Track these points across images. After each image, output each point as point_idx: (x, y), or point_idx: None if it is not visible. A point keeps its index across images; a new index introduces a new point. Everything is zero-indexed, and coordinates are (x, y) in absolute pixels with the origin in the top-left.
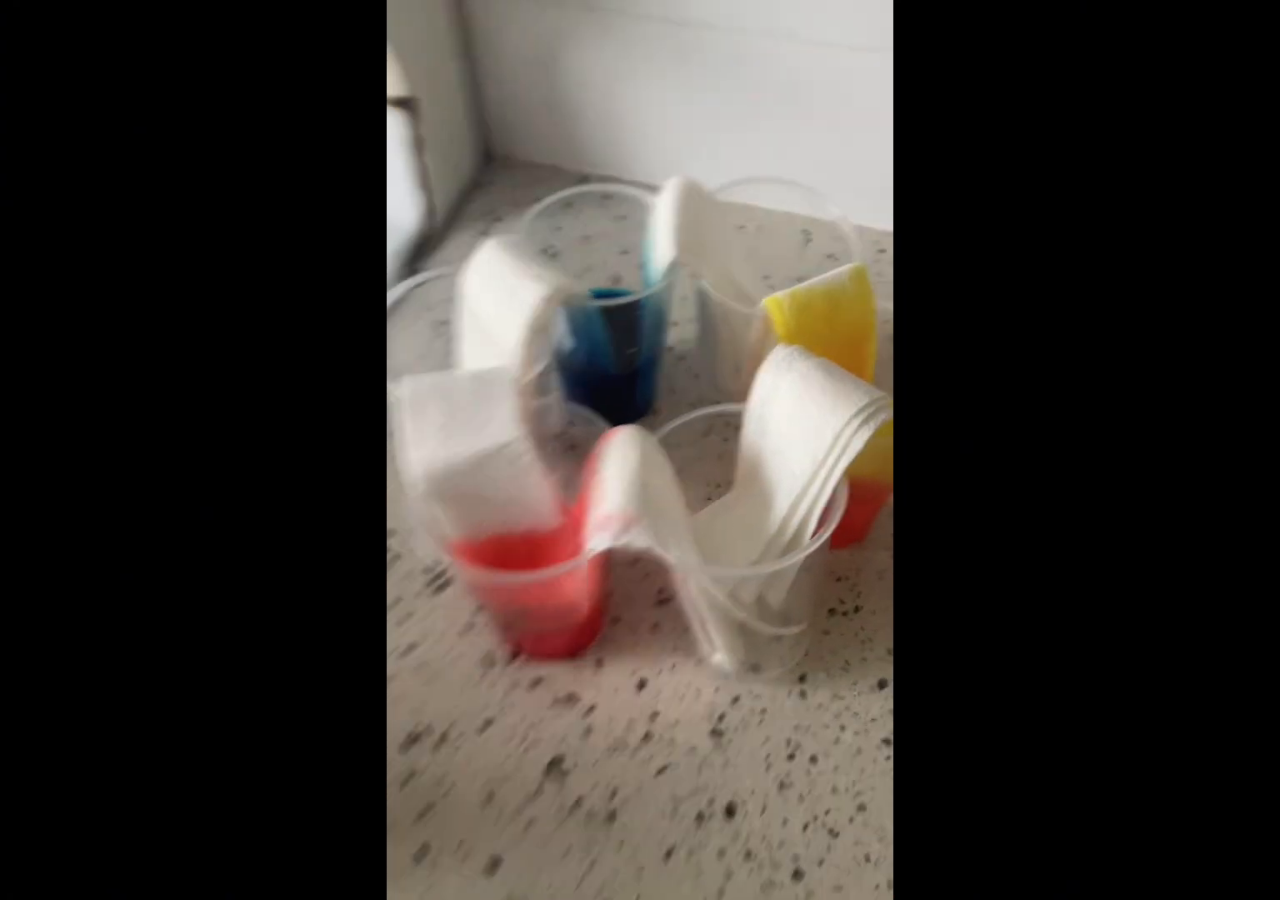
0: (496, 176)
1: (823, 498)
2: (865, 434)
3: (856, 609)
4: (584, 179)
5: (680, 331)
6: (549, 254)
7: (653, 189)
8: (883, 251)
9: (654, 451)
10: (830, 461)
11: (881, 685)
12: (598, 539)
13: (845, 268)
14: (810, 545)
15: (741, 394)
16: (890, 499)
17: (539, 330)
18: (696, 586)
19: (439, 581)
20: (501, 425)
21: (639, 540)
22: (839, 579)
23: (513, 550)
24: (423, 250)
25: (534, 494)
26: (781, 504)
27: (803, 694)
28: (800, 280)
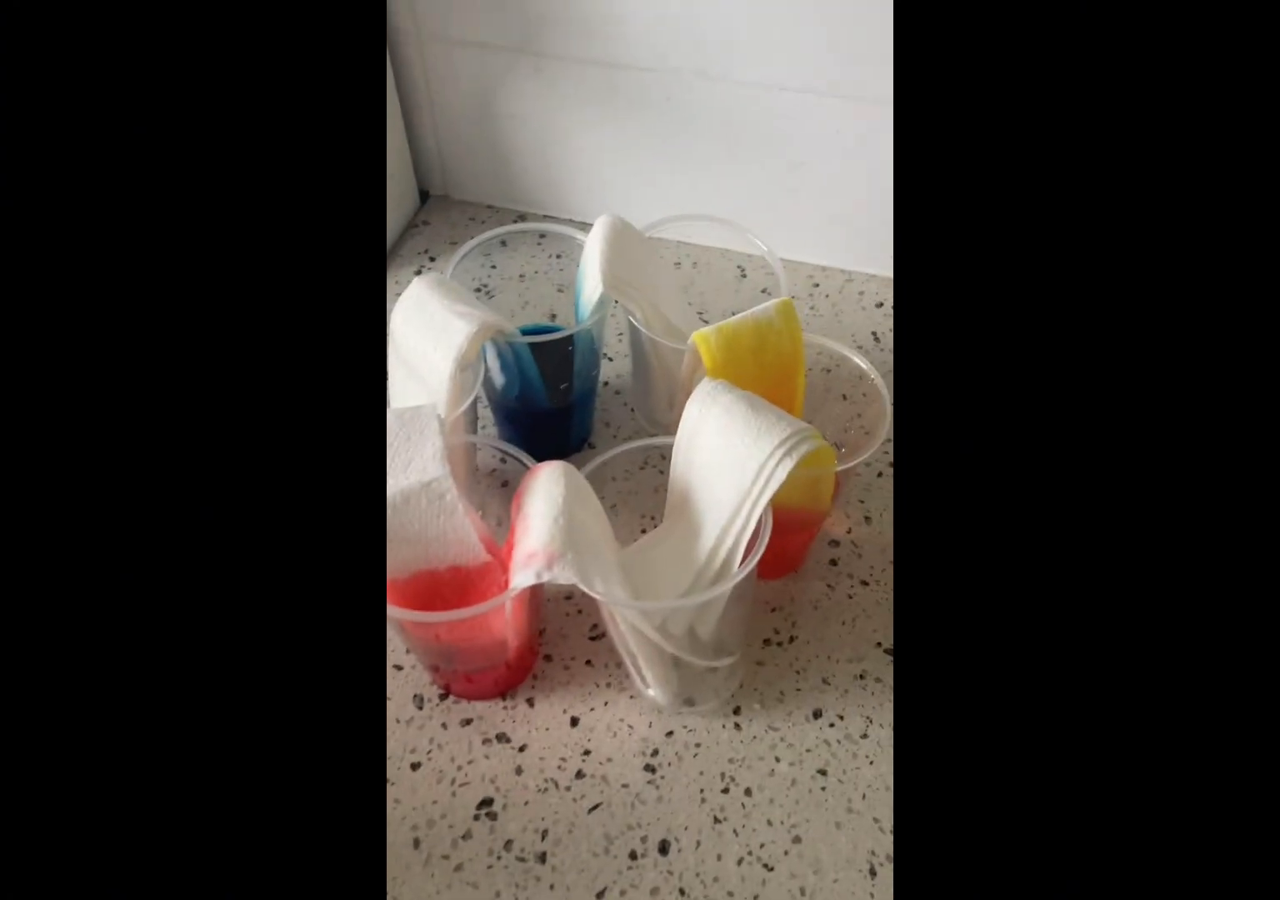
0: (433, 216)
1: (748, 528)
2: (789, 464)
3: (791, 639)
4: (521, 218)
5: (615, 366)
6: (484, 292)
7: (587, 228)
8: (817, 285)
9: (580, 486)
10: (755, 492)
11: (816, 715)
12: (521, 576)
13: (773, 302)
14: (735, 575)
15: (675, 427)
16: (819, 530)
17: (465, 367)
18: (625, 621)
19: None
20: (425, 463)
21: (563, 576)
22: (773, 609)
23: (440, 587)
24: None
25: (459, 532)
26: (709, 535)
27: (737, 726)
28: (734, 313)
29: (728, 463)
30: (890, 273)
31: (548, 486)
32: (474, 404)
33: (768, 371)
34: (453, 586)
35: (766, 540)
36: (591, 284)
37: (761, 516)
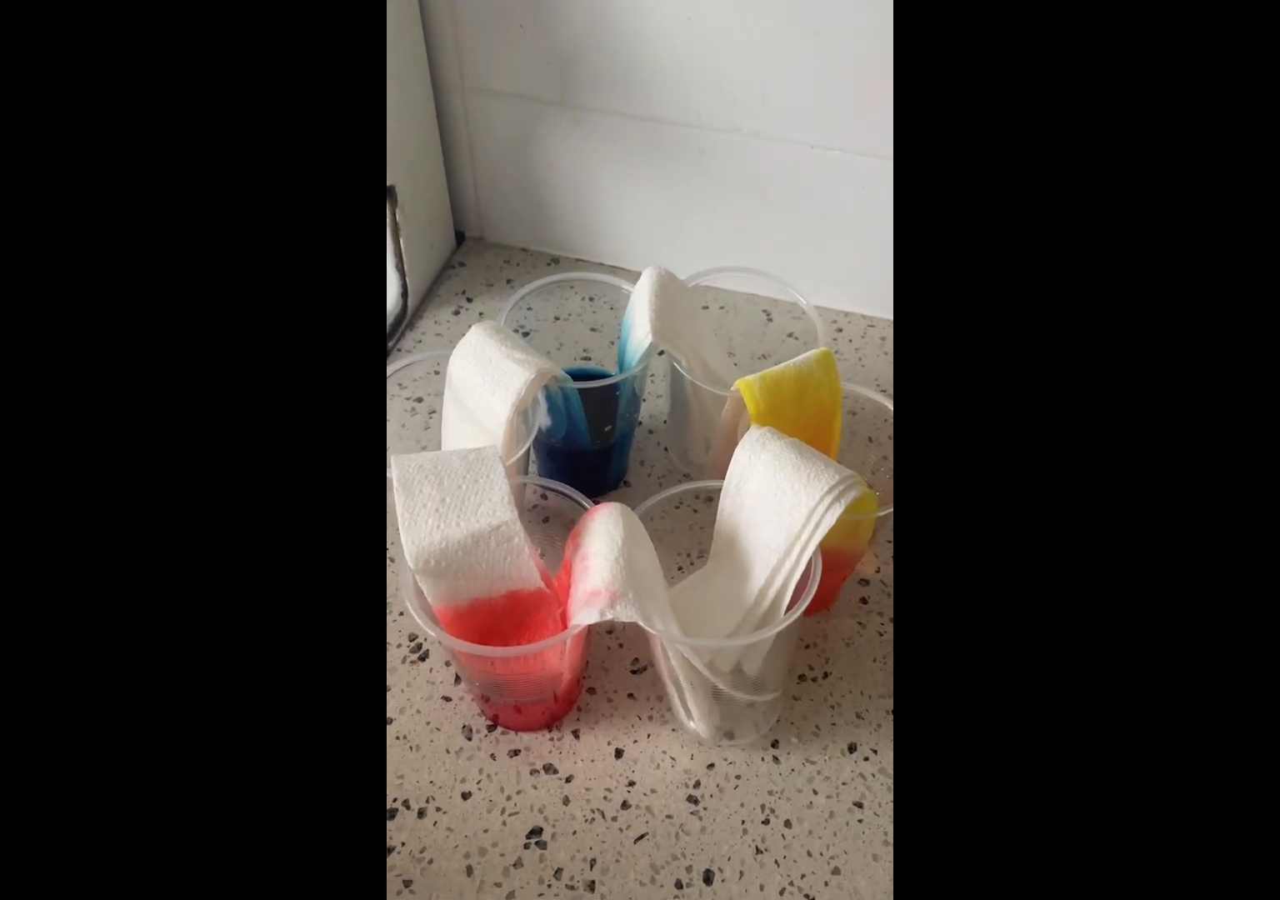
0: (468, 258)
1: (798, 570)
2: (838, 510)
3: (826, 675)
4: (554, 261)
5: (649, 406)
6: (522, 332)
7: (617, 271)
8: (840, 330)
9: (636, 527)
10: (805, 536)
11: (851, 749)
12: (584, 614)
13: (812, 352)
14: (788, 617)
15: (711, 467)
16: (853, 570)
17: (522, 411)
18: (676, 657)
19: (419, 652)
20: (494, 506)
21: (624, 615)
22: (808, 646)
23: (496, 615)
24: (398, 329)
25: (522, 570)
26: (758, 576)
27: (775, 759)
28: (763, 357)
29: (777, 507)
30: None
31: (606, 527)
32: (529, 447)
33: (807, 418)
34: (508, 614)
35: (817, 583)
36: (640, 333)
37: (811, 559)
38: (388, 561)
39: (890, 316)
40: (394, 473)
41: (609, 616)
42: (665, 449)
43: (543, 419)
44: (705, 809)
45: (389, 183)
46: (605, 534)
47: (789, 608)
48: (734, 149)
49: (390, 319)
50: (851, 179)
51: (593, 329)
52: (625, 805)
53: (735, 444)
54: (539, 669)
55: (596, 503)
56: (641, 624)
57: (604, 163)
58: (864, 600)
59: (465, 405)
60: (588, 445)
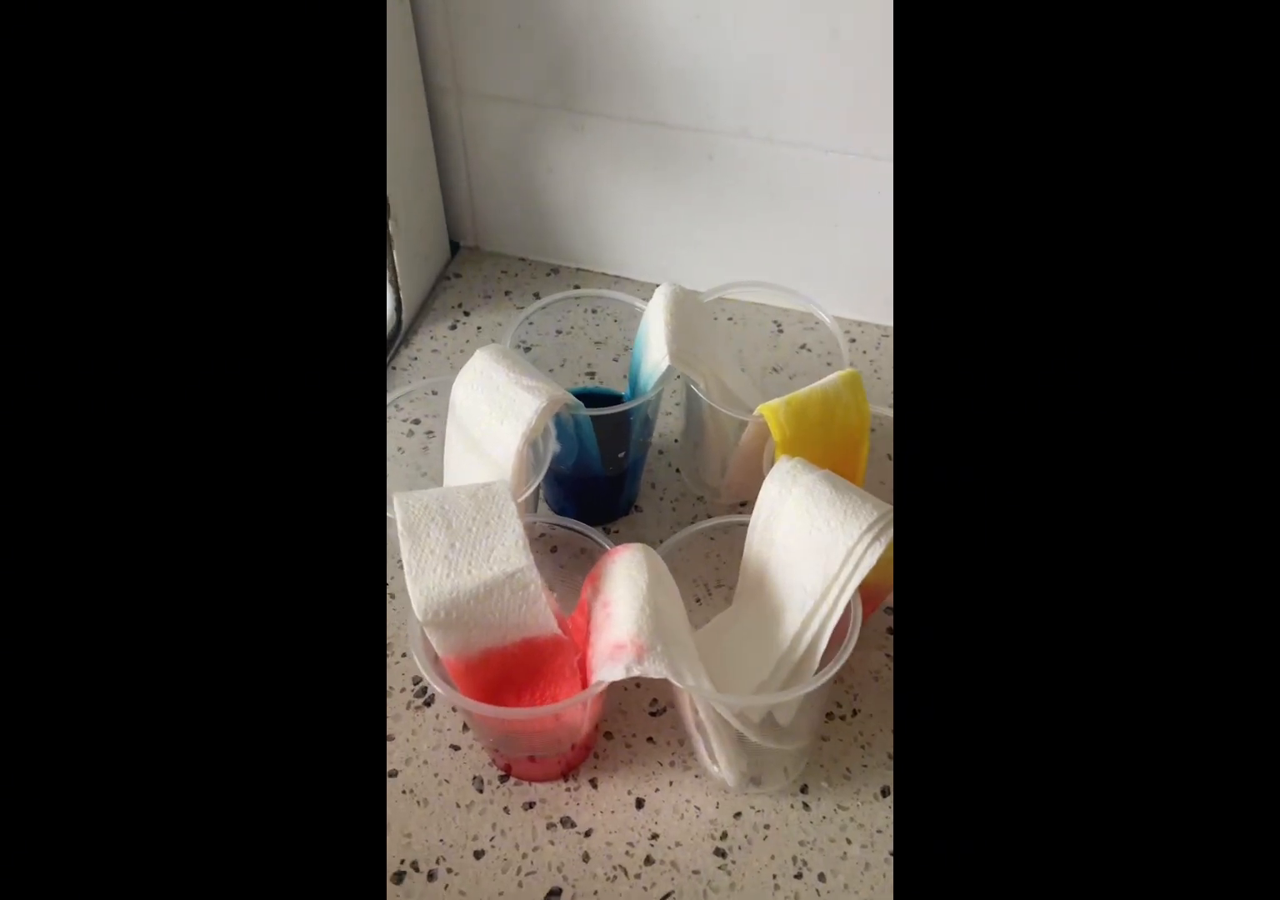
0: (464, 268)
1: (835, 614)
2: (878, 549)
3: (854, 713)
4: (554, 271)
5: (661, 424)
6: (523, 347)
7: (621, 281)
8: (854, 340)
9: (661, 571)
10: (844, 577)
11: (885, 793)
12: (608, 669)
13: (838, 374)
14: (829, 669)
15: (726, 492)
16: (887, 599)
17: (532, 441)
18: (705, 708)
19: (423, 698)
20: (508, 552)
21: (653, 671)
22: (836, 681)
23: (509, 664)
24: (392, 345)
25: (538, 617)
26: (792, 621)
27: (805, 806)
28: (775, 370)
29: (813, 546)
30: None
31: (629, 571)
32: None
33: (834, 442)
34: (523, 662)
35: (858, 629)
36: (656, 356)
37: (850, 602)
38: (388, 598)
39: None
40: (398, 515)
41: (635, 673)
42: (677, 470)
43: (552, 445)
44: (734, 862)
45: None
46: (628, 579)
47: (826, 654)
48: (744, 154)
49: (385, 333)
50: (866, 184)
51: (597, 343)
52: (649, 861)
53: (755, 468)
54: (557, 724)
55: (607, 530)
56: (672, 680)
57: (606, 169)
58: (890, 630)
59: (471, 435)
60: (599, 472)
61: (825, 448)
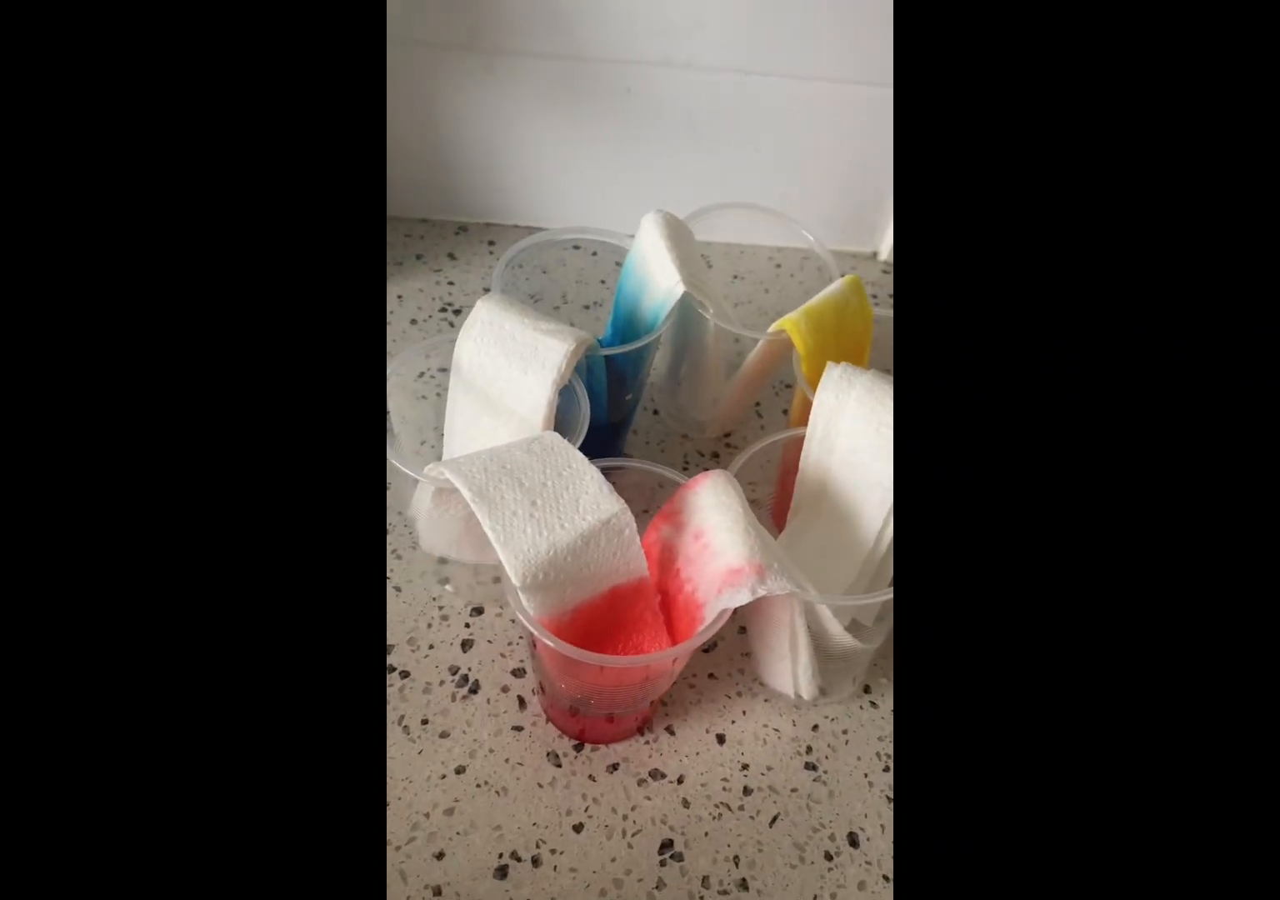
0: None
1: None
2: None
3: None
4: (461, 229)
5: None
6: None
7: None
8: (779, 266)
9: (742, 495)
10: None
11: None
12: (729, 595)
13: (842, 280)
14: None
15: (714, 427)
16: None
17: (562, 389)
18: (801, 619)
19: (466, 687)
20: (596, 499)
21: (778, 588)
22: None
23: (595, 613)
24: None
25: (632, 562)
26: (871, 518)
27: (873, 704)
28: (736, 304)
29: (881, 443)
30: (868, 251)
31: (719, 498)
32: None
33: (846, 349)
34: (607, 612)
35: None
36: (667, 283)
37: None
38: (394, 591)
39: (853, 249)
40: (460, 485)
41: (761, 593)
42: (655, 412)
43: (584, 392)
44: (826, 773)
45: None
46: (720, 506)
47: None
48: (666, 84)
49: None
50: (791, 105)
51: (533, 298)
52: (746, 791)
53: (752, 394)
54: (648, 675)
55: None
56: (796, 593)
57: (518, 112)
58: None
59: (486, 394)
60: (603, 419)
61: (839, 354)
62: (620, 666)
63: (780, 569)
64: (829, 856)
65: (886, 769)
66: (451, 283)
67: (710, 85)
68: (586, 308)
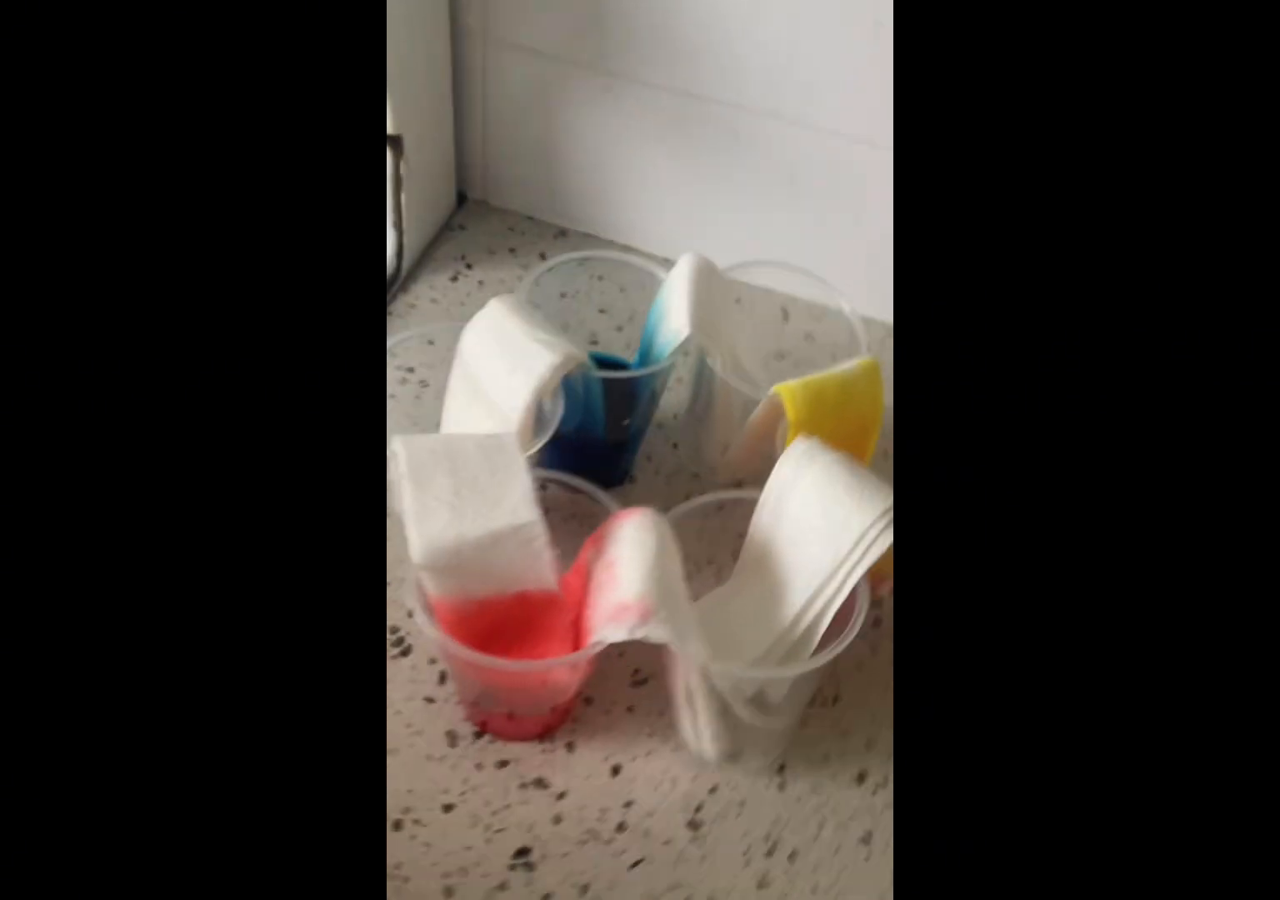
0: (469, 221)
1: (840, 596)
2: (890, 535)
3: (835, 699)
4: (561, 233)
5: (662, 400)
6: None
7: (630, 251)
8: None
9: (667, 537)
10: (854, 559)
11: (860, 779)
12: (610, 629)
13: (858, 361)
14: (835, 647)
15: (724, 470)
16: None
17: (543, 398)
18: (697, 677)
19: (399, 648)
20: (515, 504)
21: (656, 634)
22: None
23: (503, 616)
24: (391, 290)
25: (541, 572)
26: (795, 599)
27: (781, 786)
28: (779, 356)
29: (824, 526)
30: None
31: (638, 534)
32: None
33: (847, 431)
34: (515, 614)
35: (864, 612)
36: (676, 324)
37: (857, 586)
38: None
39: None
40: (401, 458)
41: (639, 635)
42: (675, 445)
43: (560, 406)
44: (707, 834)
45: (396, 132)
46: (635, 541)
47: (825, 637)
48: (771, 135)
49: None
50: (890, 180)
51: (601, 310)
52: (621, 827)
53: (759, 448)
54: (544, 682)
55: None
56: (674, 646)
57: (628, 134)
58: (877, 622)
59: (479, 384)
60: (601, 438)
61: (837, 434)
62: (479, 663)
63: (667, 617)
64: None
65: (769, 853)
66: (537, 285)
67: (815, 146)
68: (620, 328)
